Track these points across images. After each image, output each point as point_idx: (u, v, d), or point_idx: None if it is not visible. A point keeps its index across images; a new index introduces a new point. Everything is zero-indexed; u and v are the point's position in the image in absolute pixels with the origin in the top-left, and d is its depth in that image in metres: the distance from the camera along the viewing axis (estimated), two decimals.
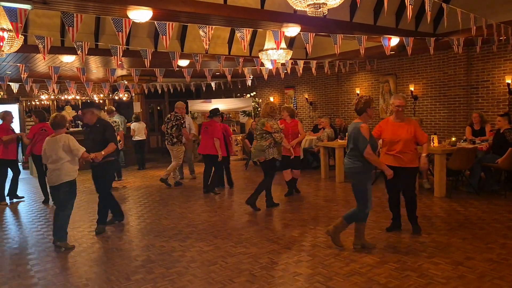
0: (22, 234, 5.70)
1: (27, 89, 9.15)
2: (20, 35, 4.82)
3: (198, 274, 4.00)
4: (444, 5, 5.65)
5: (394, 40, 7.26)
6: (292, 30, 6.56)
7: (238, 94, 16.02)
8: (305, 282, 3.72)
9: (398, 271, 3.89)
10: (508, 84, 8.72)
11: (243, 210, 6.50)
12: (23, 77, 7.79)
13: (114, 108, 11.28)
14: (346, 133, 9.26)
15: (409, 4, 4.79)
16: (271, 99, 15.33)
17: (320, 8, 4.42)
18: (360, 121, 4.43)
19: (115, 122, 10.41)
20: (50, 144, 4.84)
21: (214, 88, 13.05)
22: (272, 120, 6.30)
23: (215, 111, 7.99)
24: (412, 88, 10.59)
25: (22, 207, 7.30)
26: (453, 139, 7.38)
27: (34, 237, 5.48)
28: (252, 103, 14.81)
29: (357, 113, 4.50)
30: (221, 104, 13.70)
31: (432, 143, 7.20)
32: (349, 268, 3.99)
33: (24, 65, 7.64)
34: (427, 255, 4.25)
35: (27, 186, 9.32)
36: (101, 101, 15.23)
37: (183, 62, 9.37)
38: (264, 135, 6.24)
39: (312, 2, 4.34)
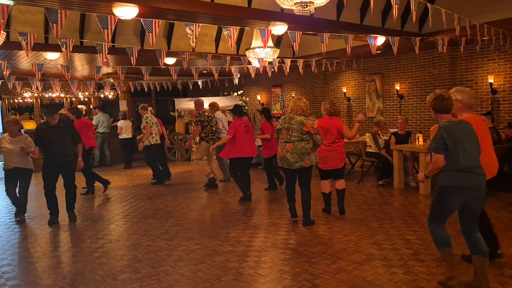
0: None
1: (9, 86, 8.97)
2: (2, 31, 4.72)
3: (185, 273, 3.98)
4: (429, 5, 5.72)
5: (380, 40, 7.32)
6: (279, 28, 6.56)
7: (225, 93, 15.99)
8: (292, 280, 3.74)
9: (385, 268, 3.93)
10: (491, 84, 8.88)
11: (231, 209, 6.49)
12: (6, 74, 7.64)
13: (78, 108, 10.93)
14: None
15: (395, 4, 4.84)
16: (258, 97, 15.33)
17: (307, 7, 4.43)
18: None
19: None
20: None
21: (201, 87, 12.99)
22: (308, 119, 5.38)
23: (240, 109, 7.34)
24: (397, 87, 10.71)
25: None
26: None
27: (11, 237, 5.39)
28: (239, 102, 14.79)
29: None
30: (208, 103, 13.66)
31: (417, 142, 7.29)
32: (336, 266, 4.02)
33: (6, 62, 7.49)
34: (412, 252, 4.31)
35: None
36: (86, 99, 15.06)
37: (170, 60, 9.31)
38: (304, 136, 5.26)
39: (299, 1, 4.36)
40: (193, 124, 8.93)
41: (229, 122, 8.50)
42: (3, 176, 6.14)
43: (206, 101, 13.78)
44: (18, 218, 6.18)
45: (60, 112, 6.07)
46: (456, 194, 3.38)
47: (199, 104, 8.46)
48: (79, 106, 15.35)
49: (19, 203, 6.15)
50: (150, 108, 9.69)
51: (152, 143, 8.64)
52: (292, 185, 5.51)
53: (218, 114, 8.93)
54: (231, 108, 7.65)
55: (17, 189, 6.17)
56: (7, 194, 6.19)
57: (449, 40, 7.59)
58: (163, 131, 9.33)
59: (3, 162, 6.07)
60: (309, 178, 5.45)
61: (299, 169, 5.32)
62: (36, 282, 3.91)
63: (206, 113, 8.31)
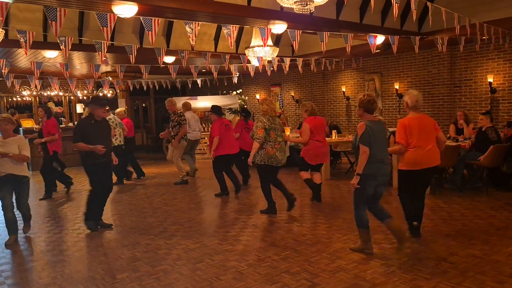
0: None
1: (8, 84, 8.95)
2: (1, 29, 4.71)
3: (184, 271, 3.98)
4: (429, 4, 5.72)
5: (380, 38, 7.32)
6: (279, 27, 6.56)
7: (224, 92, 15.97)
8: (292, 279, 3.73)
9: (384, 267, 3.93)
10: (490, 83, 8.88)
11: (230, 208, 6.49)
12: (4, 72, 7.62)
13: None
14: (333, 131, 9.34)
15: (395, 3, 4.83)
16: (257, 96, 15.33)
17: (306, 6, 4.43)
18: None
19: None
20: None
21: (200, 85, 12.98)
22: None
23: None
24: (397, 86, 10.71)
25: None
26: None
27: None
28: (238, 101, 14.78)
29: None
30: (207, 102, 13.66)
31: None
32: (335, 265, 4.02)
33: (5, 60, 7.47)
34: (411, 252, 4.30)
35: None
36: (85, 98, 15.02)
37: (169, 59, 9.30)
38: (283, 135, 5.94)
39: (299, 0, 4.35)
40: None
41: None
42: None
43: (206, 100, 13.81)
44: (9, 243, 4.95)
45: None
46: (372, 181, 4.13)
47: (172, 104, 8.55)
48: (80, 105, 15.34)
49: (24, 217, 5.31)
50: (123, 109, 9.73)
51: (116, 144, 8.09)
52: (277, 179, 5.99)
53: (188, 113, 9.06)
54: (232, 108, 7.74)
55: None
56: (5, 215, 4.95)
57: (449, 39, 7.59)
58: (129, 132, 9.17)
59: None
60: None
61: (281, 166, 5.86)
62: (35, 281, 3.89)
63: (180, 112, 8.52)
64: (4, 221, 5.01)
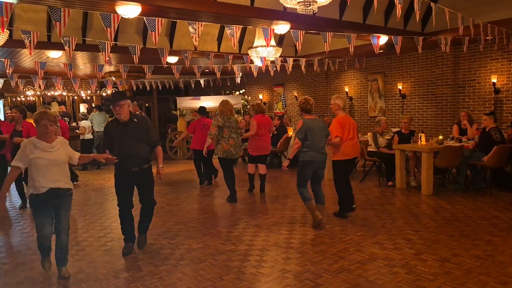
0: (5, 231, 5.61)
1: (12, 84, 8.99)
2: (5, 30, 4.73)
3: (187, 271, 3.98)
4: (432, 4, 5.70)
5: (383, 39, 7.31)
6: (282, 27, 6.56)
7: (227, 92, 15.99)
8: (294, 279, 3.73)
9: (387, 268, 3.92)
10: (494, 84, 8.85)
11: (233, 208, 6.49)
12: (8, 72, 7.66)
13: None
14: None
15: (398, 3, 4.82)
16: (260, 96, 15.33)
17: (310, 6, 4.43)
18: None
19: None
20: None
21: (203, 85, 13.00)
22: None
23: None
24: (400, 87, 10.69)
25: None
26: (440, 137, 7.47)
27: (12, 234, 5.40)
28: (241, 101, 14.78)
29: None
30: (210, 102, 13.67)
31: (420, 141, 7.27)
32: (338, 265, 4.01)
33: (9, 60, 7.51)
34: (414, 252, 4.30)
35: None
36: (88, 98, 15.06)
37: (172, 59, 9.31)
38: (238, 131, 6.90)
39: (302, 0, 4.35)
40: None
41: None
42: (32, 206, 3.83)
43: (209, 101, 13.82)
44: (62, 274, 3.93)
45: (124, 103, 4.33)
46: (310, 165, 5.18)
47: (134, 106, 8.89)
48: (83, 105, 15.38)
49: (60, 247, 3.90)
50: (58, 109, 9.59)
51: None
52: (232, 171, 6.92)
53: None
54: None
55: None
56: (39, 237, 3.84)
57: (452, 39, 7.57)
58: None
59: (31, 185, 3.74)
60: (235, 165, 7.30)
61: (235, 159, 6.92)
62: (38, 280, 3.91)
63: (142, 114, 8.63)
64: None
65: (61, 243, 3.88)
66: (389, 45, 7.50)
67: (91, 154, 4.25)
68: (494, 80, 8.86)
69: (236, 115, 13.57)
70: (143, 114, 9.74)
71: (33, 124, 7.30)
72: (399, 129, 8.23)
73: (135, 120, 4.42)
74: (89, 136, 11.15)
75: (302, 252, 4.42)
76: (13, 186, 6.73)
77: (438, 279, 3.63)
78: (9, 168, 4.11)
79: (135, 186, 4.50)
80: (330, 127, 5.60)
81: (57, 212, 3.86)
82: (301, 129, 5.14)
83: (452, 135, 8.20)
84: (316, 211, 5.17)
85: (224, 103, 6.87)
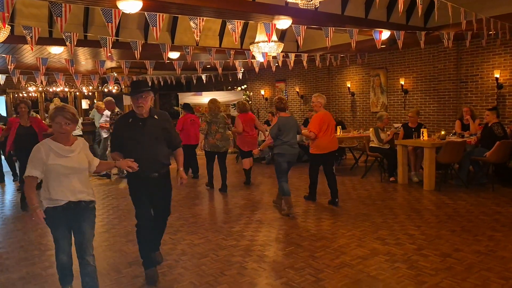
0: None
1: (14, 80, 8.99)
2: (6, 25, 4.72)
3: (189, 267, 4.00)
4: None
5: (385, 34, 7.27)
6: (284, 22, 6.53)
7: (229, 87, 15.97)
8: (296, 274, 3.74)
9: (388, 263, 3.92)
10: (497, 79, 8.81)
11: (234, 204, 6.50)
12: (10, 68, 7.65)
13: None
14: (338, 127, 9.32)
15: None
16: (262, 92, 15.31)
17: (311, 1, 4.40)
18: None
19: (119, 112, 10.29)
20: None
21: (204, 81, 12.98)
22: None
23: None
24: (402, 82, 10.65)
25: None
26: (443, 132, 7.44)
27: (13, 229, 5.42)
28: (243, 96, 14.77)
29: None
30: (212, 97, 13.65)
31: (422, 137, 7.26)
32: (340, 261, 4.02)
33: (11, 56, 7.50)
34: (416, 247, 4.30)
35: None
36: (90, 94, 15.05)
37: (174, 55, 9.29)
38: (226, 127, 7.41)
39: None
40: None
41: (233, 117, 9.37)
42: (48, 223, 3.03)
43: (211, 96, 13.78)
44: None
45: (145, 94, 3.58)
46: (283, 157, 5.73)
47: (110, 103, 8.74)
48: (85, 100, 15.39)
49: (87, 273, 3.11)
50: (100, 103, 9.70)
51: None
52: (213, 164, 7.47)
53: (106, 112, 9.31)
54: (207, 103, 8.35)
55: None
56: (58, 261, 3.16)
57: (455, 34, 7.52)
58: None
59: (46, 197, 3.05)
60: (226, 157, 7.51)
61: (224, 152, 7.34)
62: (40, 275, 3.93)
63: (118, 111, 8.63)
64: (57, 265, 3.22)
65: (88, 267, 3.10)
66: (391, 40, 7.45)
67: (113, 162, 3.48)
68: (497, 75, 8.81)
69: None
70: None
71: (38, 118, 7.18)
72: (401, 124, 8.20)
73: (155, 116, 3.65)
74: (78, 132, 11.03)
75: (304, 247, 4.42)
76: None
77: (439, 274, 3.63)
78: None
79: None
80: (310, 122, 6.19)
81: (78, 227, 3.11)
82: (276, 126, 5.73)
83: (454, 131, 8.17)
84: (292, 207, 5.68)
85: (213, 101, 7.48)
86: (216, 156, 7.39)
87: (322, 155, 6.07)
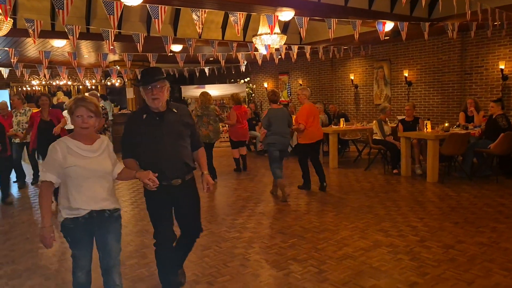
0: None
1: (17, 74, 9.01)
2: (9, 18, 4.72)
3: (192, 258, 4.01)
4: None
5: (389, 25, 7.20)
6: (286, 14, 6.49)
7: (232, 80, 15.93)
8: (298, 265, 3.76)
9: (391, 254, 3.93)
10: (502, 70, 8.73)
11: (237, 196, 6.52)
12: (13, 61, 7.66)
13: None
14: (341, 119, 9.34)
15: None
16: (265, 85, 15.27)
17: None
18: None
19: (104, 108, 10.26)
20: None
21: (207, 74, 12.95)
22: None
23: None
24: (406, 74, 10.59)
25: None
26: (446, 124, 7.41)
27: (18, 222, 5.46)
28: (246, 89, 14.74)
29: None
30: (215, 90, 13.65)
31: (425, 129, 7.23)
32: (342, 252, 4.03)
33: (13, 50, 7.51)
34: (419, 239, 4.30)
35: None
36: (93, 87, 15.07)
37: (176, 47, 9.28)
38: (217, 118, 7.57)
39: None
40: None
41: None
42: (66, 236, 2.65)
43: (214, 89, 13.80)
44: None
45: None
46: (274, 146, 6.10)
47: (96, 96, 8.46)
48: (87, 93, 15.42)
49: None
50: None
51: None
52: (210, 154, 7.48)
53: None
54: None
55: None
56: (75, 277, 2.70)
57: (460, 25, 7.44)
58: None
59: (64, 206, 2.58)
60: (213, 148, 7.67)
61: (213, 143, 7.55)
62: (46, 267, 3.97)
63: (103, 107, 8.53)
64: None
65: (112, 285, 2.77)
66: (395, 31, 7.40)
67: (133, 171, 2.80)
68: (502, 66, 8.73)
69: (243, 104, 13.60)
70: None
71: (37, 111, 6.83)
72: (404, 116, 8.17)
73: (174, 110, 3.03)
74: (70, 126, 10.97)
75: (306, 239, 4.43)
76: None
77: (441, 265, 3.64)
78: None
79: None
80: (296, 114, 6.59)
81: (102, 241, 2.71)
82: (266, 117, 6.17)
83: (458, 123, 8.13)
84: (285, 188, 6.12)
85: (204, 94, 7.65)
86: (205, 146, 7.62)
87: (310, 145, 6.44)
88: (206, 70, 12.68)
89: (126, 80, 13.94)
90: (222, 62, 9.33)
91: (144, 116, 2.97)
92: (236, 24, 5.65)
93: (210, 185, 3.19)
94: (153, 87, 2.89)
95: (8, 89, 13.75)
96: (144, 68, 2.56)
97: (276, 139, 6.09)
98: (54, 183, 2.51)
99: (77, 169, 2.51)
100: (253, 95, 15.71)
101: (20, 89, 13.82)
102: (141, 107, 3.12)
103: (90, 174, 2.55)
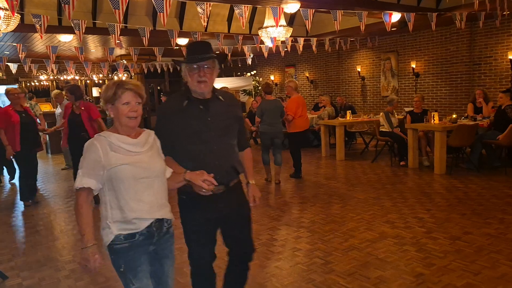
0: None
1: (25, 69, 9.10)
2: (16, 14, 4.76)
3: None
4: None
5: (395, 16, 7.15)
6: (292, 6, 6.46)
7: (239, 73, 15.91)
8: (305, 257, 3.78)
9: (397, 246, 3.93)
10: (511, 60, 8.62)
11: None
12: (21, 57, 7.74)
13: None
14: (348, 111, 9.32)
15: None
16: (272, 77, 15.24)
17: None
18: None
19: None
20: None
21: (178, 69, 12.95)
22: None
23: None
24: (413, 65, 10.50)
25: None
26: (454, 116, 7.35)
27: (30, 215, 5.55)
28: (253, 82, 14.72)
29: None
30: (222, 83, 13.64)
31: (433, 120, 7.18)
32: (348, 244, 4.04)
33: (21, 45, 7.58)
34: (425, 231, 4.30)
35: None
36: (100, 81, 15.15)
37: (182, 41, 9.29)
38: None
39: None
40: None
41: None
42: (121, 261, 2.03)
43: (220, 82, 13.82)
44: None
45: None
46: (265, 135, 6.60)
47: (74, 90, 8.23)
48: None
49: None
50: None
51: None
52: None
53: (64, 102, 8.16)
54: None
55: None
56: None
57: (468, 15, 7.35)
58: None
59: (116, 219, 1.99)
60: None
61: None
62: (56, 258, 4.03)
63: (89, 98, 8.33)
64: None
65: None
66: (402, 22, 7.33)
67: (181, 174, 2.17)
68: (511, 56, 8.63)
69: (247, 97, 13.61)
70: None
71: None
72: (412, 108, 8.12)
73: (220, 97, 2.41)
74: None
75: (313, 231, 4.45)
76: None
77: (448, 256, 3.64)
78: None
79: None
80: (286, 105, 6.93)
81: (159, 268, 2.14)
82: (259, 108, 6.65)
83: (466, 114, 8.06)
84: (270, 173, 6.81)
85: None
86: None
87: (299, 133, 6.94)
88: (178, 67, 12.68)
89: (133, 74, 14.00)
90: (228, 55, 9.33)
91: (185, 103, 2.32)
92: (241, 17, 5.65)
93: (257, 198, 2.59)
94: (200, 67, 2.26)
95: (17, 84, 13.88)
96: (191, 42, 1.95)
97: (265, 128, 6.54)
98: (94, 190, 1.96)
99: (126, 168, 1.94)
100: (260, 88, 15.69)
101: (28, 84, 13.94)
102: (179, 91, 2.46)
103: (144, 173, 1.99)
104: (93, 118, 5.73)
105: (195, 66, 2.26)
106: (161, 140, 2.21)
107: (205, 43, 2.37)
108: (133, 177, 1.96)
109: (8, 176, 7.90)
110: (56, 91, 8.33)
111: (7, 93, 5.91)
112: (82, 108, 5.68)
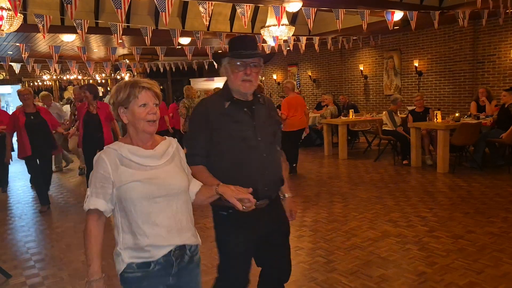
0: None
1: (29, 69, 9.13)
2: (19, 14, 4.78)
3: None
4: None
5: (398, 15, 7.12)
6: (294, 5, 6.45)
7: None
8: (307, 256, 3.78)
9: (399, 244, 3.93)
10: None
11: None
12: (24, 57, 7.77)
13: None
14: (351, 110, 9.32)
15: None
16: (274, 76, 15.23)
17: None
18: None
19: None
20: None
21: (216, 66, 12.95)
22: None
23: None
24: (416, 64, 10.46)
25: None
26: (457, 114, 7.33)
27: (35, 215, 5.58)
28: None
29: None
30: (222, 83, 13.67)
31: (435, 119, 7.16)
32: (351, 243, 4.04)
33: (24, 45, 7.61)
34: (428, 229, 4.29)
35: None
36: (103, 81, 15.19)
37: (184, 40, 9.30)
38: None
39: None
40: None
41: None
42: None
43: (223, 82, 13.86)
44: None
45: None
46: None
47: (48, 99, 7.81)
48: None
49: None
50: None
51: None
52: None
53: (53, 104, 8.10)
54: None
55: None
56: None
57: (471, 13, 7.32)
58: None
59: (128, 246, 1.76)
60: None
61: None
62: (59, 258, 4.05)
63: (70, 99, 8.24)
64: None
65: None
66: (405, 21, 7.31)
67: (213, 187, 1.89)
68: None
69: None
70: None
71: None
72: (414, 107, 8.10)
73: (261, 101, 2.18)
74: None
75: (315, 230, 4.45)
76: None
77: (450, 255, 3.63)
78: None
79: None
80: (281, 105, 7.07)
81: None
82: None
83: (469, 112, 8.03)
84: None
85: (188, 88, 8.01)
86: None
87: (293, 132, 7.03)
88: (215, 62, 12.69)
89: (136, 73, 14.02)
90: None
91: (227, 104, 2.06)
92: (243, 16, 5.65)
93: (295, 213, 2.37)
94: (246, 65, 2.02)
95: (20, 84, 13.93)
96: (237, 36, 1.95)
97: None
98: (104, 212, 1.70)
99: (138, 186, 1.64)
100: (263, 87, 15.68)
101: (32, 84, 14.00)
102: (219, 91, 2.22)
103: (160, 191, 1.68)
104: (112, 119, 5.52)
105: (238, 63, 2.02)
106: (196, 146, 2.01)
107: (253, 39, 2.12)
108: (146, 197, 1.64)
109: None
110: (43, 92, 7.72)
111: (18, 94, 5.75)
112: (99, 107, 5.53)
